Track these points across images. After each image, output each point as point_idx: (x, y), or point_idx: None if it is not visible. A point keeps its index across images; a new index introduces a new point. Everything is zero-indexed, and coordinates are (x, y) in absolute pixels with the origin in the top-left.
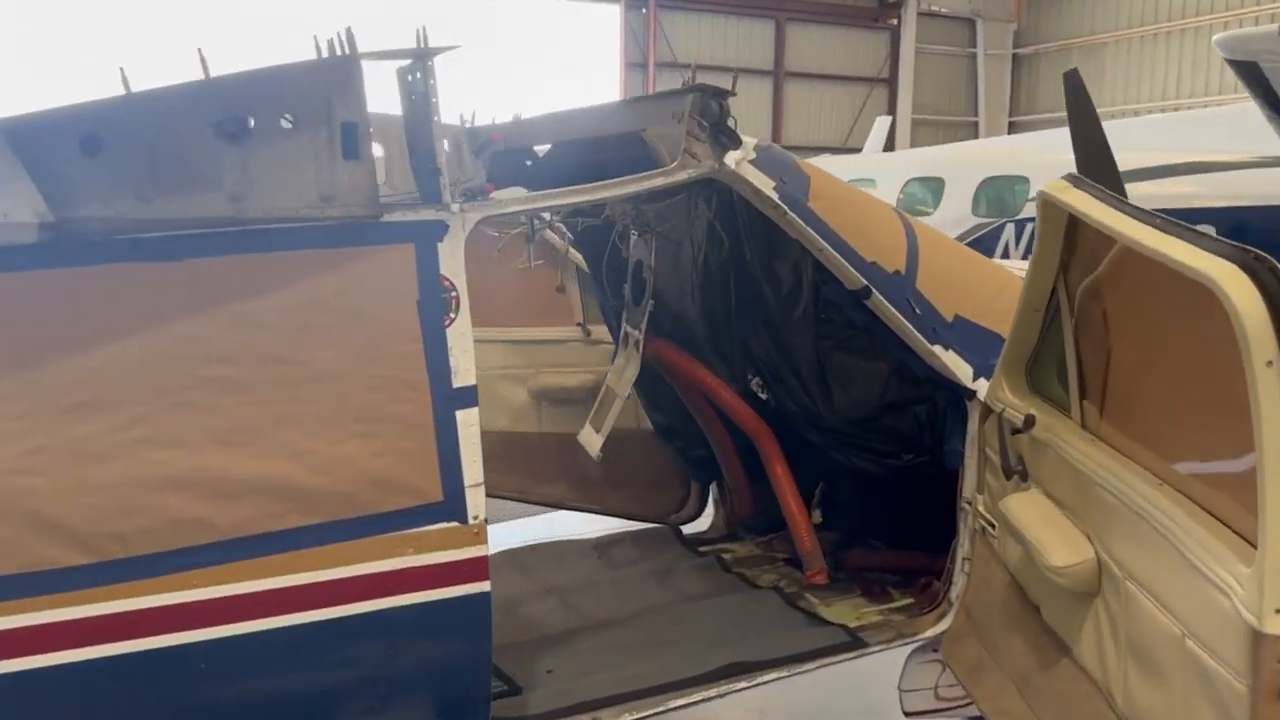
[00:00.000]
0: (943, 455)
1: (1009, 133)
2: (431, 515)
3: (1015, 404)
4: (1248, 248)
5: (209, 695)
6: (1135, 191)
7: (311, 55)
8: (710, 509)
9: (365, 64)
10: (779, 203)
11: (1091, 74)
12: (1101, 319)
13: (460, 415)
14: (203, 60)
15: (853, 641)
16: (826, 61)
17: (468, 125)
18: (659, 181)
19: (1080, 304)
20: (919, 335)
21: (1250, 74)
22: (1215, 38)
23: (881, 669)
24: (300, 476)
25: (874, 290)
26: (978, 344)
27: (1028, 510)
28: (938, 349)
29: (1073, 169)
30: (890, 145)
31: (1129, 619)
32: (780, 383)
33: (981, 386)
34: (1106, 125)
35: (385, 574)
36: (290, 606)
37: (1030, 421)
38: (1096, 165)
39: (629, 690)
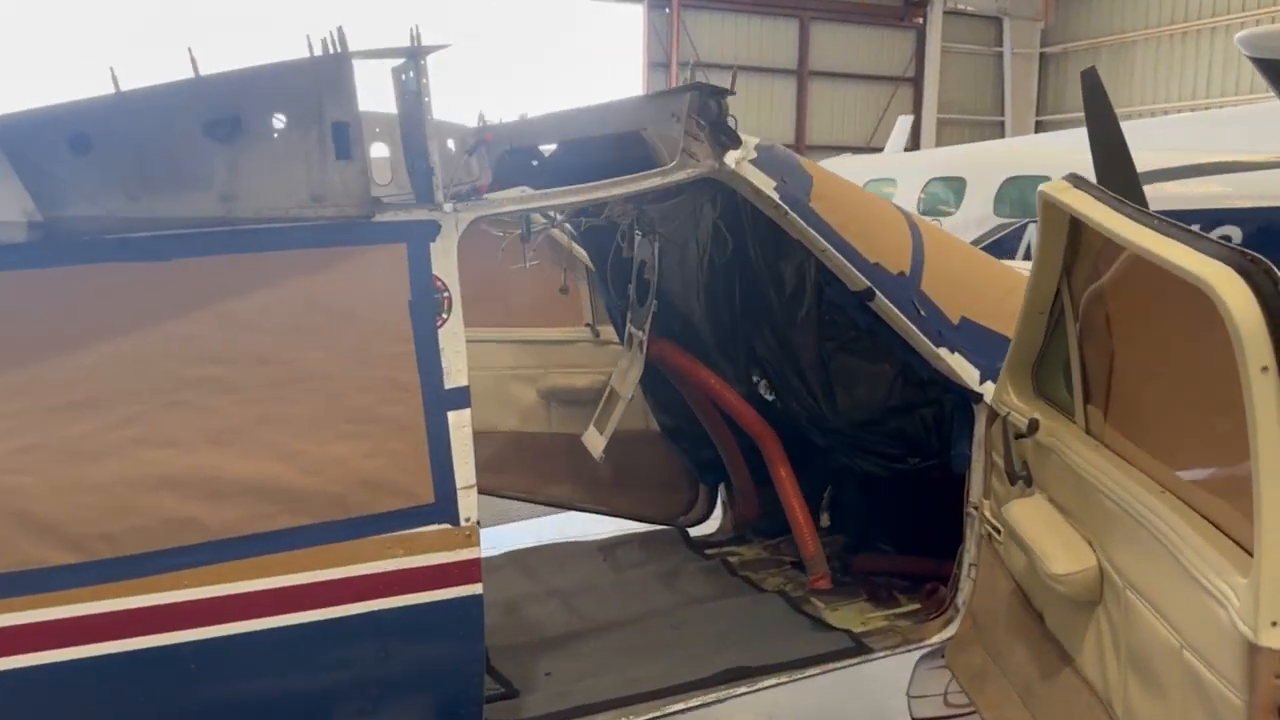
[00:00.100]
0: (950, 459)
1: (1036, 132)
2: (423, 517)
3: (1020, 408)
4: (1244, 250)
5: (198, 696)
6: (1162, 191)
7: (304, 55)
8: (719, 511)
9: (365, 64)
10: (780, 203)
11: (1120, 73)
12: (1104, 321)
13: (452, 416)
14: (193, 59)
15: (857, 647)
16: (851, 60)
17: (488, 124)
18: (657, 181)
19: (1083, 306)
20: (923, 337)
21: (1273, 71)
22: (1238, 35)
23: (890, 674)
24: (291, 477)
25: (877, 292)
26: (985, 346)
27: (1030, 516)
28: (943, 351)
29: None
30: (915, 145)
31: (1129, 629)
32: (785, 385)
33: (988, 389)
34: (1124, 126)
35: (376, 576)
36: (281, 608)
37: (1034, 426)
38: (1114, 166)
39: (627, 694)
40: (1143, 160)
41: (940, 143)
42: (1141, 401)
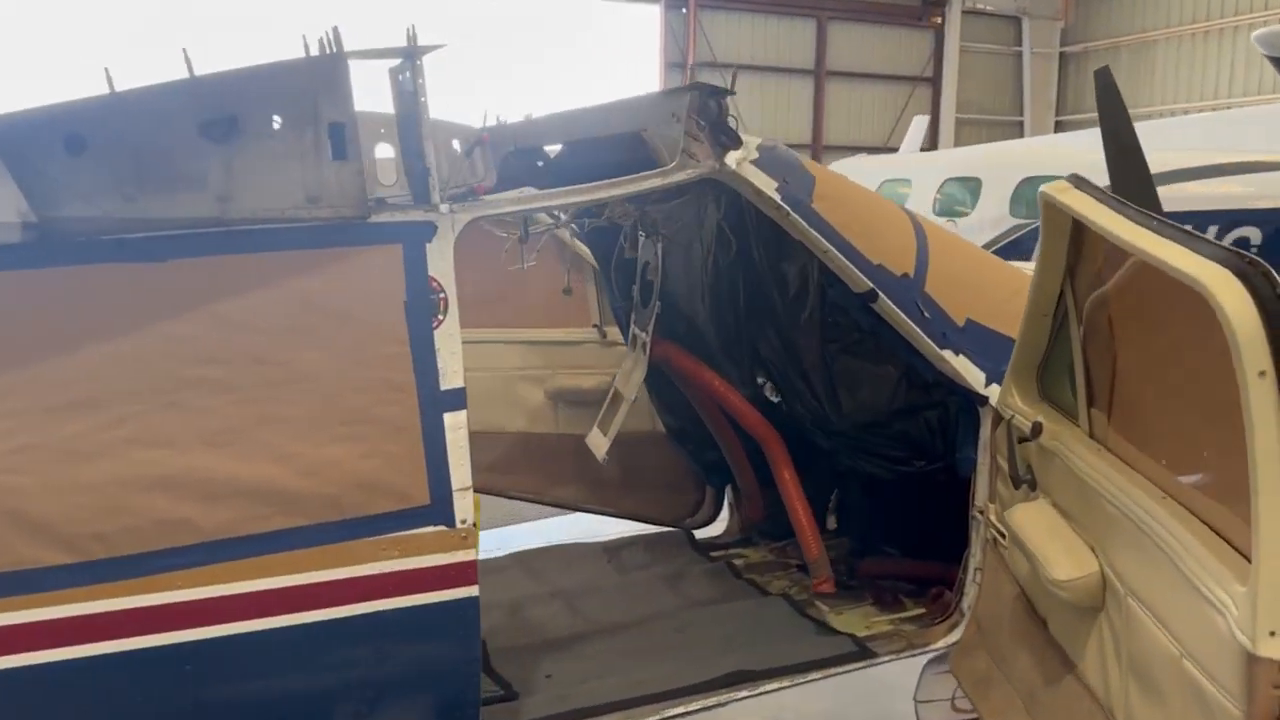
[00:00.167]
0: (955, 462)
1: (1055, 132)
2: (418, 519)
3: (1024, 411)
4: (1243, 252)
5: (192, 697)
6: (1183, 192)
7: (300, 55)
8: (725, 513)
9: (370, 64)
10: (781, 204)
11: (1141, 72)
12: (1107, 323)
13: (448, 418)
14: (187, 60)
15: (860, 651)
16: (869, 60)
17: (498, 124)
18: (656, 182)
19: (1086, 307)
20: (927, 339)
21: None
22: (1255, 34)
23: (898, 678)
24: (286, 478)
25: (880, 293)
26: (991, 349)
27: (1033, 521)
28: (947, 353)
29: None
30: (933, 145)
31: (1130, 636)
32: (789, 386)
33: (994, 392)
34: (1144, 126)
35: (372, 577)
36: (276, 609)
37: (1037, 429)
38: (1127, 166)
39: (628, 697)
40: (1162, 160)
41: (959, 143)
42: (1144, 405)
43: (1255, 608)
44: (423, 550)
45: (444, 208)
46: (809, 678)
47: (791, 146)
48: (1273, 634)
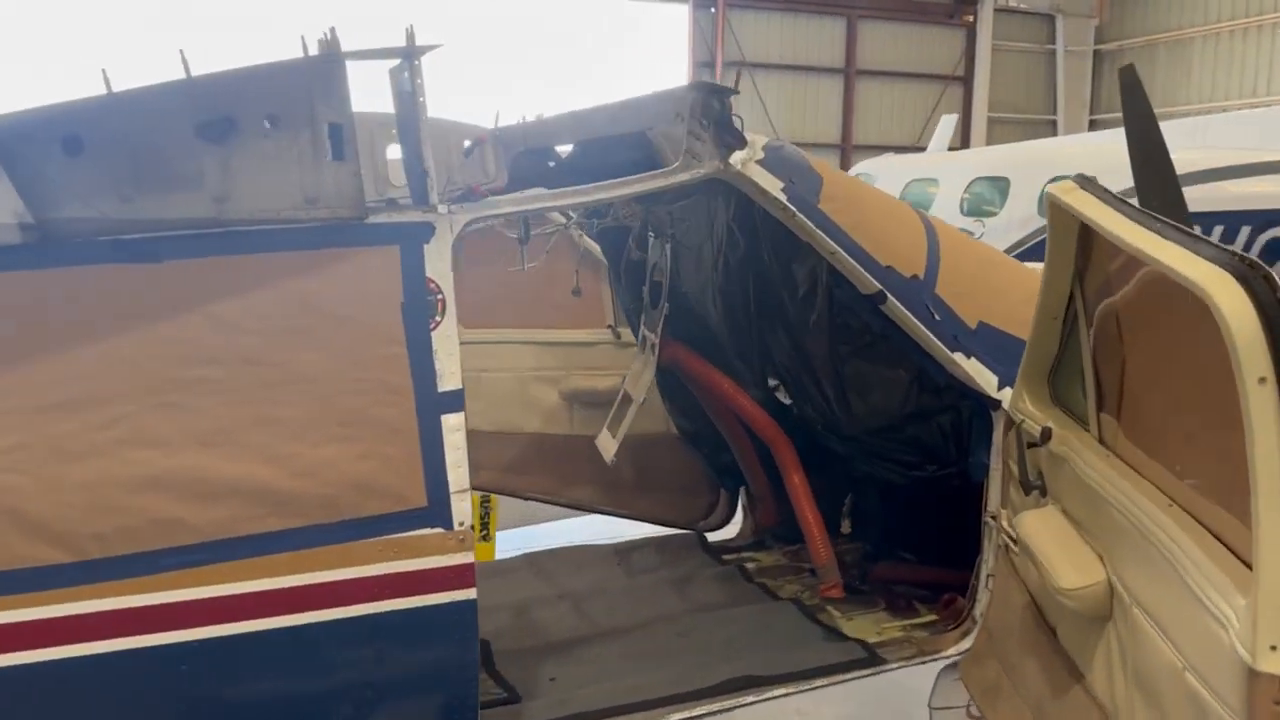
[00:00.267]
0: (969, 467)
1: (1090, 131)
2: (415, 521)
3: (1035, 415)
4: (1244, 254)
5: (187, 697)
6: (1220, 191)
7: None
8: (740, 516)
9: (362, 65)
10: (787, 204)
11: (1178, 71)
12: (1115, 325)
13: (446, 420)
14: (184, 60)
15: (869, 658)
16: (899, 59)
17: (524, 121)
18: (659, 183)
19: (1095, 309)
20: (938, 342)
21: None
22: None
23: (913, 682)
24: (282, 479)
25: (889, 295)
26: (1004, 352)
27: (1041, 528)
28: (959, 356)
29: None
30: (965, 144)
31: (1135, 647)
32: (800, 389)
33: (1007, 396)
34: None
35: (368, 579)
36: (271, 610)
37: (1047, 434)
38: (1152, 166)
39: (629, 702)
40: (1197, 160)
41: (991, 142)
42: (1152, 410)
43: (1255, 621)
44: (420, 552)
45: (442, 208)
46: (815, 684)
47: (820, 146)
48: (1273, 648)
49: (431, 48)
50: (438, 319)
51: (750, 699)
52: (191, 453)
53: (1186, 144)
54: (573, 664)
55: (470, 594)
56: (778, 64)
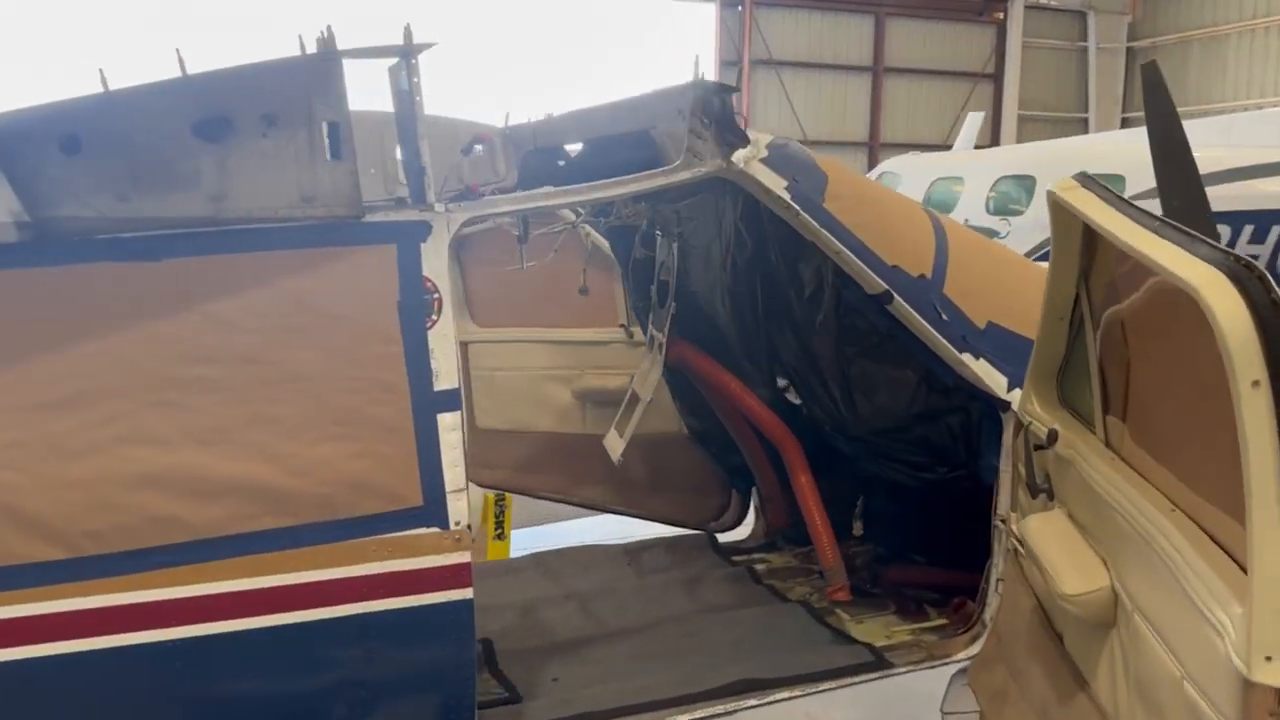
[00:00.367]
0: (978, 469)
1: (1122, 129)
2: (411, 520)
3: (1042, 417)
4: (1238, 254)
5: (181, 694)
6: (1251, 190)
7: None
8: (752, 517)
9: (362, 64)
10: (791, 203)
11: (1213, 68)
12: (1120, 326)
13: (442, 419)
14: (180, 59)
15: (877, 662)
16: (928, 57)
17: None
18: (660, 181)
19: (1100, 311)
20: (945, 342)
21: None
22: None
23: (925, 687)
24: (277, 478)
25: (895, 294)
26: (1014, 352)
27: (1047, 532)
28: (967, 357)
29: None
30: (994, 142)
31: (1137, 655)
32: (807, 389)
33: (1017, 397)
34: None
35: (363, 578)
36: (265, 608)
37: (1053, 437)
38: (1173, 164)
39: (632, 703)
40: (1225, 158)
41: (1021, 140)
42: (1156, 413)
43: (1250, 631)
44: (415, 552)
45: (439, 207)
46: (820, 688)
47: (848, 144)
48: (1269, 659)
49: (428, 46)
50: (434, 318)
51: (756, 702)
52: (188, 451)
53: (1218, 141)
54: (577, 664)
55: (467, 594)
56: (805, 62)
